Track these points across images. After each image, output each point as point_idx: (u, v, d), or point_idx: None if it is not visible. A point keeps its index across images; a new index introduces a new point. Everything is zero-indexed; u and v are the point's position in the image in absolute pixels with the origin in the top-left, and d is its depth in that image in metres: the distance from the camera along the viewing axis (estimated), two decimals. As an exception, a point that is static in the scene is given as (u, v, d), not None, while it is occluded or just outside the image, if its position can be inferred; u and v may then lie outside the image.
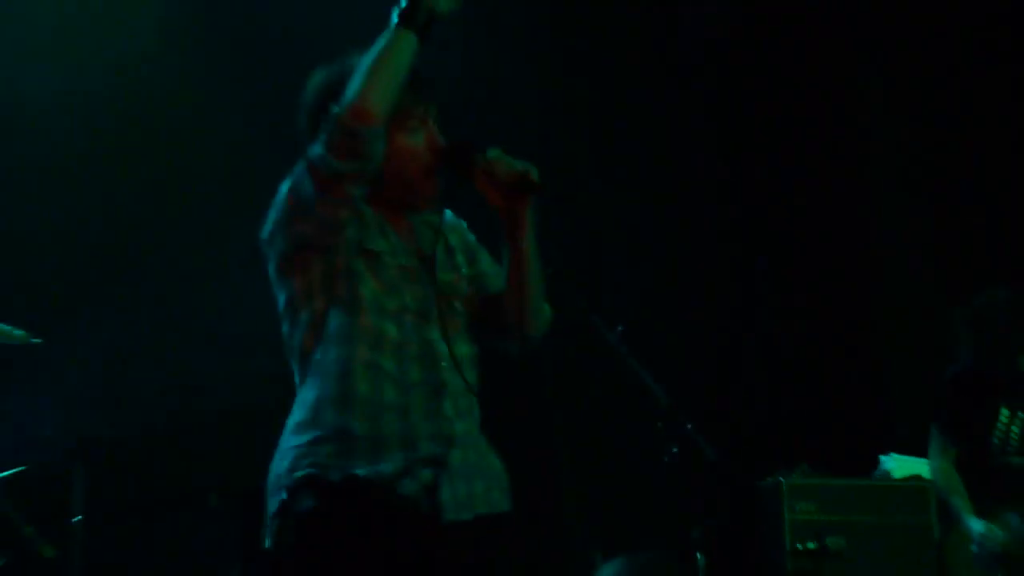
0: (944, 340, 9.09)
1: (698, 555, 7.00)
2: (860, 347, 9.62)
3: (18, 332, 6.77)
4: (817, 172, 9.65)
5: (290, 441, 3.73)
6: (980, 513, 6.44)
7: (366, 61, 3.62)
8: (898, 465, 8.06)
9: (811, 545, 7.59)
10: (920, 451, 8.08)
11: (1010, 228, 8.80)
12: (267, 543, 3.73)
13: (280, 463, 3.73)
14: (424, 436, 3.70)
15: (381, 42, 3.65)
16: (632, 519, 8.37)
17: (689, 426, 5.99)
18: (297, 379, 3.84)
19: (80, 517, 6.87)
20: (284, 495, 3.68)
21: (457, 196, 4.02)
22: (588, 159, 8.80)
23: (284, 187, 3.76)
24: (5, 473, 6.80)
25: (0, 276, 7.64)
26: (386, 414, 3.67)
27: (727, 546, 7.43)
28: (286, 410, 3.85)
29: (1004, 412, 6.44)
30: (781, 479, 7.77)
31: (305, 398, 3.75)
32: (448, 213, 4.06)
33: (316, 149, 3.59)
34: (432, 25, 3.72)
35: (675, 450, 6.37)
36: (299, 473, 3.65)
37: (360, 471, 3.61)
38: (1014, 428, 6.39)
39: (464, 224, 4.14)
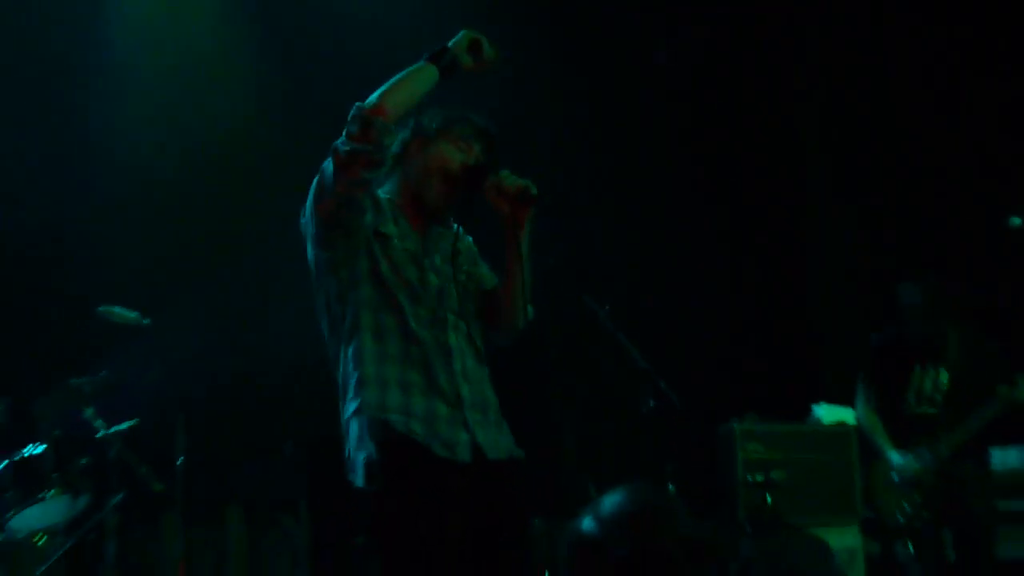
0: (864, 314, 9.20)
1: (670, 486, 7.07)
2: (798, 321, 9.66)
3: (132, 314, 6.84)
4: (762, 166, 9.58)
5: (346, 384, 3.76)
6: (901, 449, 6.45)
7: (396, 76, 3.72)
8: (827, 413, 8.12)
9: (759, 477, 7.64)
10: (845, 402, 8.16)
11: (924, 212, 8.72)
12: (359, 482, 3.69)
13: (350, 405, 3.74)
14: (444, 390, 3.72)
15: (412, 67, 3.76)
16: (617, 458, 8.44)
17: (662, 383, 6.05)
18: (331, 343, 3.85)
19: (182, 459, 6.92)
20: (344, 429, 3.74)
21: (468, 216, 4.09)
22: (576, 166, 8.76)
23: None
24: (123, 425, 6.82)
25: (118, 272, 7.71)
26: (412, 368, 3.71)
27: (693, 478, 7.46)
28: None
29: (917, 371, 6.44)
30: (735, 425, 7.84)
31: (347, 355, 3.75)
32: (460, 229, 4.07)
33: (339, 138, 3.65)
34: (454, 70, 3.80)
35: (651, 403, 6.42)
36: (350, 411, 3.71)
37: (394, 419, 3.63)
38: (926, 383, 6.39)
39: (470, 239, 4.16)
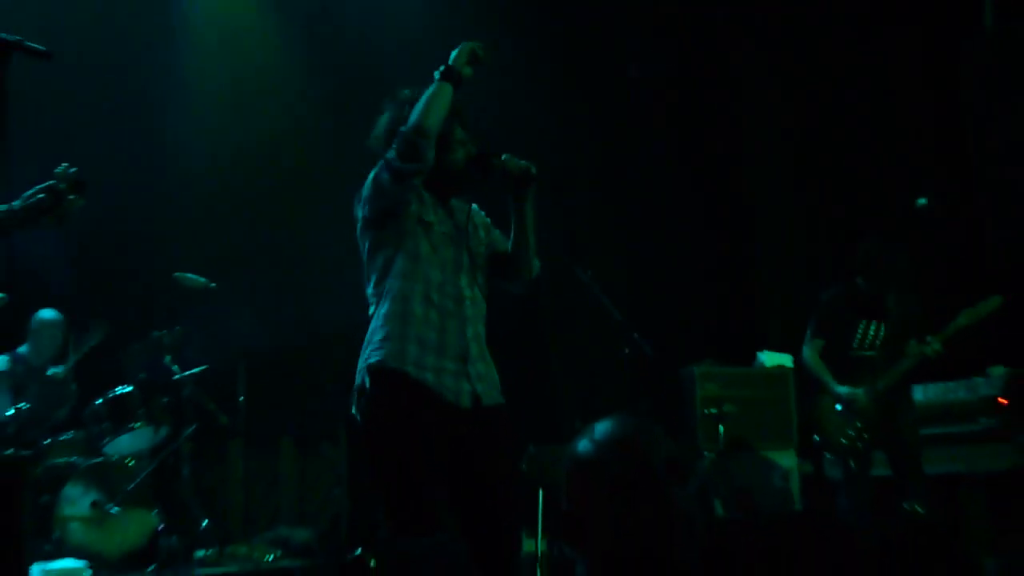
0: (800, 278, 9.17)
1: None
2: (746, 282, 9.66)
3: (201, 280, 6.87)
4: (709, 143, 9.52)
5: (368, 338, 3.77)
6: (841, 382, 6.40)
7: (422, 100, 3.74)
8: (769, 358, 8.11)
9: (713, 411, 7.64)
10: (784, 349, 8.18)
11: (854, 182, 8.66)
12: (353, 410, 3.75)
13: (363, 354, 3.76)
14: (453, 350, 3.72)
15: (430, 89, 3.77)
16: (600, 396, 8.45)
17: (635, 334, 6.03)
18: (372, 302, 3.84)
19: (243, 398, 6.94)
20: (363, 378, 3.71)
21: (482, 193, 4.08)
22: (556, 144, 8.68)
23: (369, 177, 3.81)
24: (196, 369, 6.89)
25: (191, 245, 7.72)
26: (430, 330, 3.71)
27: (661, 412, 7.46)
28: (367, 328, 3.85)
29: (863, 323, 6.38)
30: (694, 368, 7.83)
31: (379, 313, 3.76)
32: (475, 205, 4.08)
33: (391, 154, 3.69)
34: (462, 81, 3.84)
35: (627, 350, 6.41)
36: (372, 361, 3.69)
37: (410, 369, 3.64)
38: (869, 333, 6.36)
39: (483, 212, 4.14)
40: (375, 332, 3.75)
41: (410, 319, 3.71)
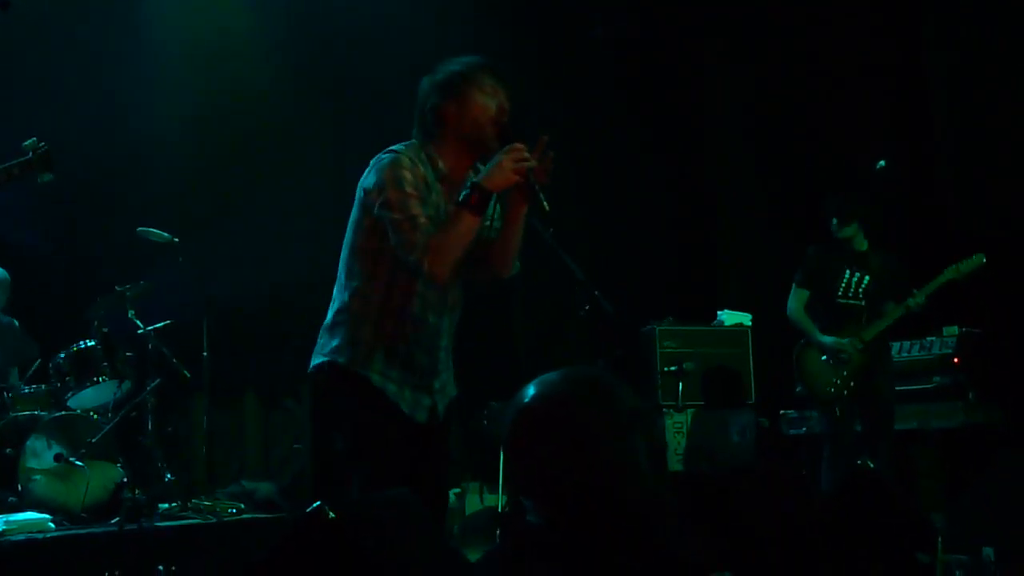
0: (758, 241, 9.22)
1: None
2: (706, 244, 9.70)
3: (165, 235, 6.84)
4: (671, 104, 9.53)
5: (341, 330, 3.53)
6: (825, 333, 6.48)
7: (445, 235, 3.36)
8: (728, 317, 8.17)
9: (673, 368, 7.72)
10: (743, 308, 8.25)
11: (814, 143, 8.68)
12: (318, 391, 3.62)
13: (327, 342, 3.56)
14: (421, 366, 3.54)
15: (456, 218, 3.39)
16: (560, 353, 8.51)
17: (596, 292, 6.05)
18: (347, 287, 3.56)
19: (206, 352, 6.92)
20: (325, 370, 3.54)
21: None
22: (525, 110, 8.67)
23: (383, 177, 3.44)
24: (160, 324, 6.86)
25: (155, 201, 7.68)
26: (401, 343, 3.51)
27: (621, 369, 7.51)
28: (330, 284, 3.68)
29: (847, 271, 6.44)
30: (655, 326, 7.89)
31: (353, 309, 3.52)
32: None
33: (402, 254, 3.38)
34: (490, 201, 3.46)
35: (587, 308, 6.43)
36: (339, 361, 3.50)
37: (374, 377, 3.48)
38: (853, 282, 6.44)
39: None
40: (344, 328, 3.53)
41: (384, 330, 3.51)
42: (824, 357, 6.47)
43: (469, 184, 3.43)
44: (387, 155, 3.53)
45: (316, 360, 3.59)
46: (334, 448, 3.66)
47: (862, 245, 6.51)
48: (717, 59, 9.66)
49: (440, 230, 3.40)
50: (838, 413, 6.38)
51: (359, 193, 3.56)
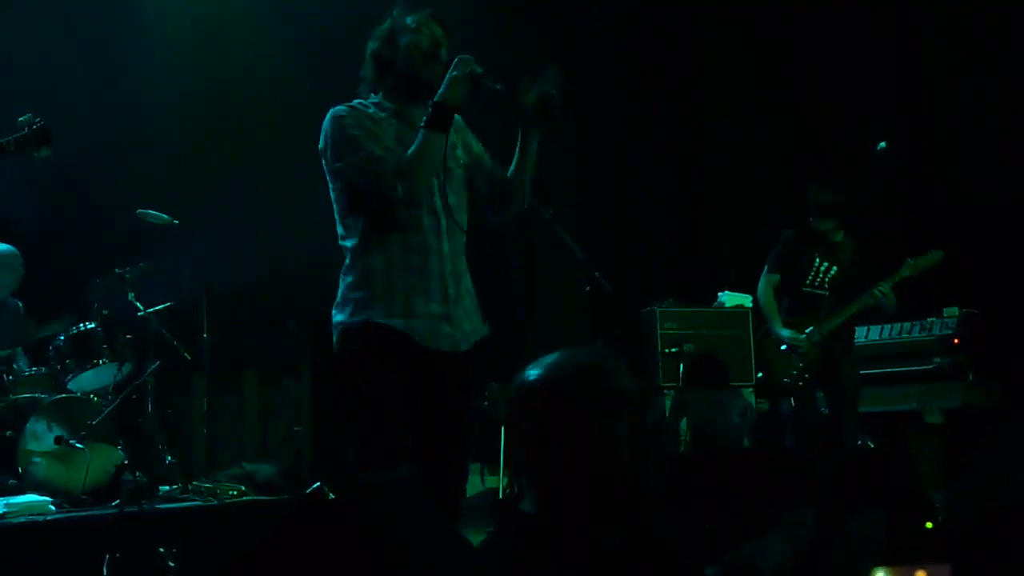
0: (757, 223, 9.21)
1: (602, 355, 7.10)
2: (708, 225, 9.70)
3: (165, 217, 6.82)
4: (670, 86, 9.53)
5: (347, 295, 3.66)
6: (789, 325, 6.53)
7: (414, 156, 3.50)
8: (729, 298, 8.16)
9: (674, 349, 7.73)
10: (743, 289, 8.24)
11: (812, 124, 8.67)
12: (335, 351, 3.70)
13: (344, 307, 3.67)
14: (436, 294, 3.64)
15: (417, 142, 3.52)
16: (562, 334, 8.49)
17: (597, 272, 6.04)
18: (347, 244, 3.70)
19: (206, 335, 6.92)
20: (344, 328, 3.65)
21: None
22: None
23: (331, 133, 3.61)
24: (160, 306, 6.84)
25: (154, 182, 7.67)
26: (413, 274, 3.61)
27: (622, 350, 7.52)
28: (335, 265, 3.79)
29: (817, 260, 6.50)
30: (655, 307, 7.88)
31: (360, 265, 3.64)
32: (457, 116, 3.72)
33: (374, 191, 3.53)
34: (452, 117, 3.58)
35: (588, 288, 6.43)
36: (356, 319, 3.61)
37: (396, 323, 3.57)
38: (821, 270, 6.48)
39: (459, 118, 3.78)
40: (356, 287, 3.64)
41: (394, 272, 3.60)
42: (783, 347, 6.51)
43: (429, 105, 3.57)
44: (327, 116, 3.70)
45: (338, 322, 3.68)
46: (355, 403, 3.67)
47: (837, 236, 6.55)
48: (717, 38, 9.64)
49: (408, 153, 3.53)
50: (792, 403, 6.47)
51: (323, 165, 3.72)
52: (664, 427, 7.59)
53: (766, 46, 9.02)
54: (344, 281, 3.70)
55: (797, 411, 6.48)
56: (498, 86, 3.59)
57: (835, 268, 6.46)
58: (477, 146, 3.93)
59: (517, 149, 3.76)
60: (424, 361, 3.62)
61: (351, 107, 3.69)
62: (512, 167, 3.79)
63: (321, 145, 3.68)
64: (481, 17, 8.35)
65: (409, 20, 3.73)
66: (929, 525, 3.08)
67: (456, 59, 3.60)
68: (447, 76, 3.57)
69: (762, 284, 6.76)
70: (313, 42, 8.27)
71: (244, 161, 8.19)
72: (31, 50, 7.45)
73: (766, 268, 6.75)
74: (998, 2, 7.68)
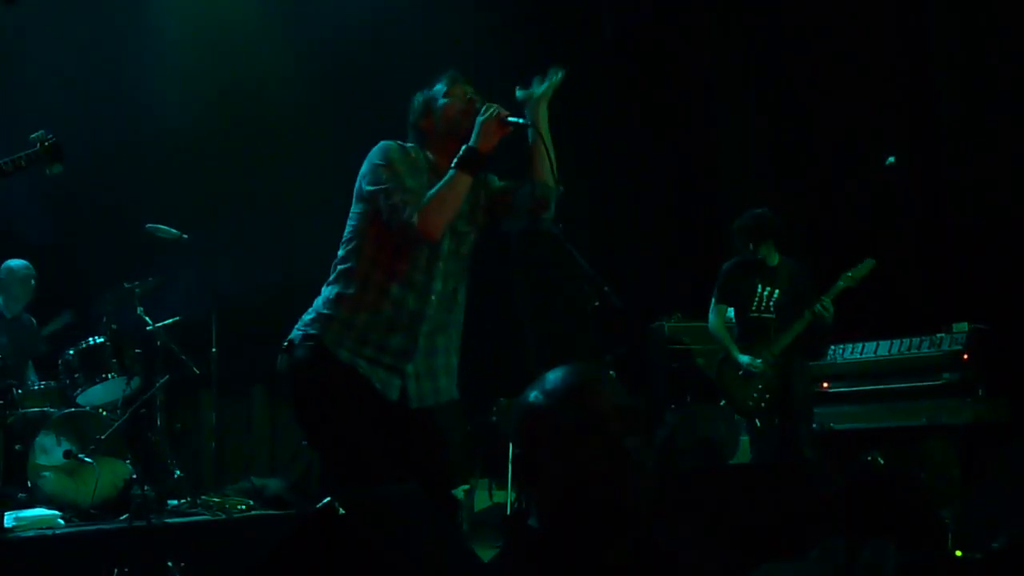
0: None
1: (611, 372, 7.11)
2: (714, 240, 9.67)
3: (173, 231, 6.84)
4: (678, 102, 9.50)
5: (319, 307, 3.68)
6: (743, 351, 6.66)
7: (439, 192, 3.56)
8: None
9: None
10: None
11: (819, 138, 8.67)
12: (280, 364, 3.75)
13: (306, 315, 3.70)
14: (394, 348, 3.62)
15: (446, 180, 3.58)
16: (569, 349, 8.48)
17: (605, 287, 6.05)
18: (339, 265, 3.71)
19: (215, 349, 6.92)
20: (297, 339, 3.67)
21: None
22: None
23: (376, 162, 3.65)
24: (169, 320, 6.87)
25: (164, 197, 7.67)
26: (377, 330, 3.60)
27: (629, 365, 7.51)
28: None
29: (759, 286, 6.63)
30: (663, 322, 7.90)
31: (337, 290, 3.66)
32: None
33: (394, 219, 3.56)
34: (484, 162, 3.65)
35: (596, 303, 6.46)
36: (311, 331, 3.64)
37: (343, 355, 3.58)
38: (764, 296, 6.61)
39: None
40: (325, 304, 3.67)
41: (361, 308, 3.62)
42: (741, 372, 6.66)
43: (462, 149, 3.65)
44: (378, 145, 3.75)
45: (293, 332, 3.73)
46: (299, 418, 3.72)
47: (773, 260, 6.71)
48: (725, 50, 9.65)
49: (433, 189, 3.59)
50: (758, 424, 6.63)
51: (356, 185, 3.76)
52: (669, 442, 7.59)
53: (776, 59, 9.02)
54: (322, 293, 3.73)
55: (762, 431, 6.64)
56: (523, 120, 3.72)
57: (777, 291, 6.63)
58: (495, 183, 3.93)
59: (532, 151, 3.79)
60: (372, 404, 3.62)
61: (400, 144, 3.76)
62: (532, 168, 3.80)
63: (363, 170, 3.72)
64: (489, 37, 8.39)
65: (439, 87, 3.83)
66: (959, 553, 3.08)
67: (484, 106, 3.70)
68: (477, 122, 3.66)
69: (712, 315, 6.91)
70: (325, 61, 8.30)
71: (253, 176, 8.23)
72: (42, 66, 7.48)
73: (713, 300, 6.91)
74: (1008, 13, 7.68)
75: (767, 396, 6.58)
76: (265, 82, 8.37)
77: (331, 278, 3.72)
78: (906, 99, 8.48)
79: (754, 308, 6.65)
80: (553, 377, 2.17)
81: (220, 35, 8.28)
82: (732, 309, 6.81)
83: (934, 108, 8.30)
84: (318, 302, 3.72)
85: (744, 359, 6.64)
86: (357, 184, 3.73)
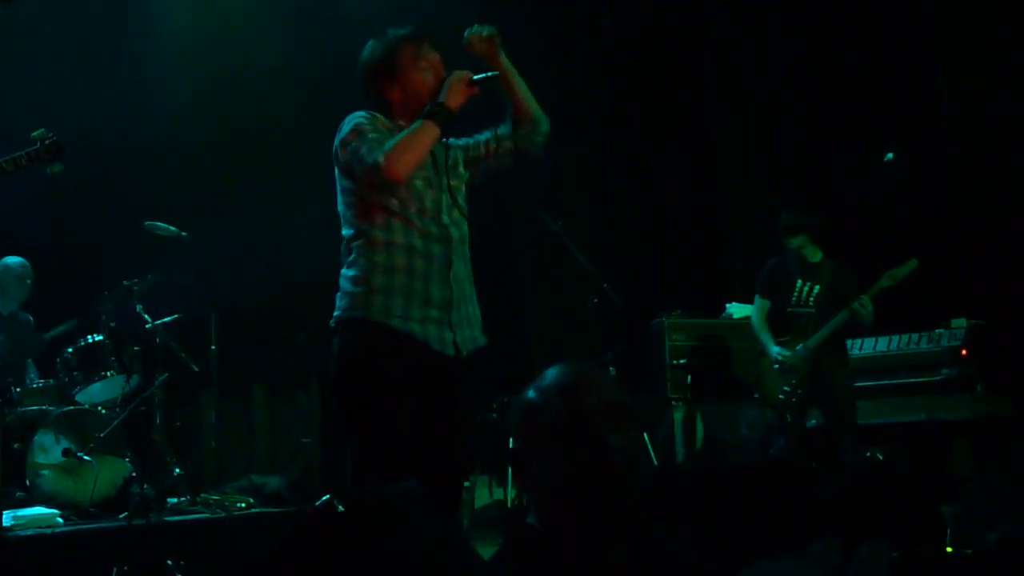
0: (765, 235, 9.20)
1: (611, 369, 7.11)
2: (715, 238, 9.68)
3: (173, 229, 6.82)
4: (677, 97, 9.45)
5: (351, 288, 3.66)
6: (779, 344, 6.75)
7: (405, 136, 3.59)
8: (736, 310, 8.14)
9: (682, 361, 7.75)
10: (751, 301, 8.21)
11: (819, 136, 8.65)
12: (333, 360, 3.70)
13: (341, 301, 3.69)
14: (437, 299, 3.66)
15: (413, 127, 3.62)
16: (569, 344, 8.49)
17: (606, 285, 6.06)
18: (350, 247, 3.72)
19: (214, 347, 6.91)
20: (342, 326, 3.67)
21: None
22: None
23: (345, 130, 3.69)
24: (168, 318, 6.86)
25: (162, 194, 7.65)
26: (416, 280, 3.63)
27: (629, 363, 7.51)
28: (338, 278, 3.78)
29: (799, 281, 6.74)
30: (664, 319, 7.88)
31: (360, 263, 3.66)
32: (449, 139, 3.86)
33: (359, 166, 3.60)
34: (451, 118, 3.69)
35: (595, 300, 6.46)
36: (355, 314, 3.63)
37: (396, 323, 3.59)
38: (804, 291, 6.69)
39: (450, 140, 3.90)
40: (356, 282, 3.66)
41: (395, 271, 3.62)
42: (776, 366, 6.76)
43: (429, 105, 3.69)
44: (346, 118, 3.77)
45: (337, 316, 3.70)
46: (355, 407, 3.66)
47: (815, 256, 6.82)
48: (724, 50, 9.63)
49: (398, 136, 3.62)
50: (788, 419, 6.71)
51: (334, 164, 3.79)
52: (668, 440, 7.60)
53: (776, 59, 8.99)
54: (345, 275, 3.73)
55: (791, 425, 6.71)
56: (490, 73, 3.79)
57: (817, 287, 6.72)
58: (473, 138, 3.99)
59: (502, 89, 3.86)
60: (423, 363, 3.64)
61: (368, 113, 3.77)
62: (509, 107, 3.90)
63: (335, 143, 3.74)
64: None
65: (405, 47, 3.83)
66: (949, 550, 3.07)
67: (456, 74, 3.75)
68: (445, 81, 3.73)
69: (753, 310, 7.05)
70: (325, 58, 8.27)
71: (253, 173, 8.19)
72: (39, 64, 7.47)
73: (756, 296, 7.04)
74: (1008, 13, 7.66)
75: (799, 391, 6.65)
76: (265, 80, 8.32)
77: (351, 258, 3.71)
78: (906, 98, 8.47)
79: (793, 302, 6.76)
80: (550, 374, 2.19)
81: (218, 33, 8.23)
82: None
83: (934, 107, 8.29)
84: (347, 284, 3.70)
85: (775, 349, 6.73)
86: (334, 160, 3.76)
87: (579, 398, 2.11)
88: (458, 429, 3.74)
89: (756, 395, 7.11)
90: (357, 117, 3.73)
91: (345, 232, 3.76)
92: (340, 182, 3.78)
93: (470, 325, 3.80)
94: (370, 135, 3.64)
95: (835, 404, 6.68)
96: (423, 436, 3.63)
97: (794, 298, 6.75)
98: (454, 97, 3.69)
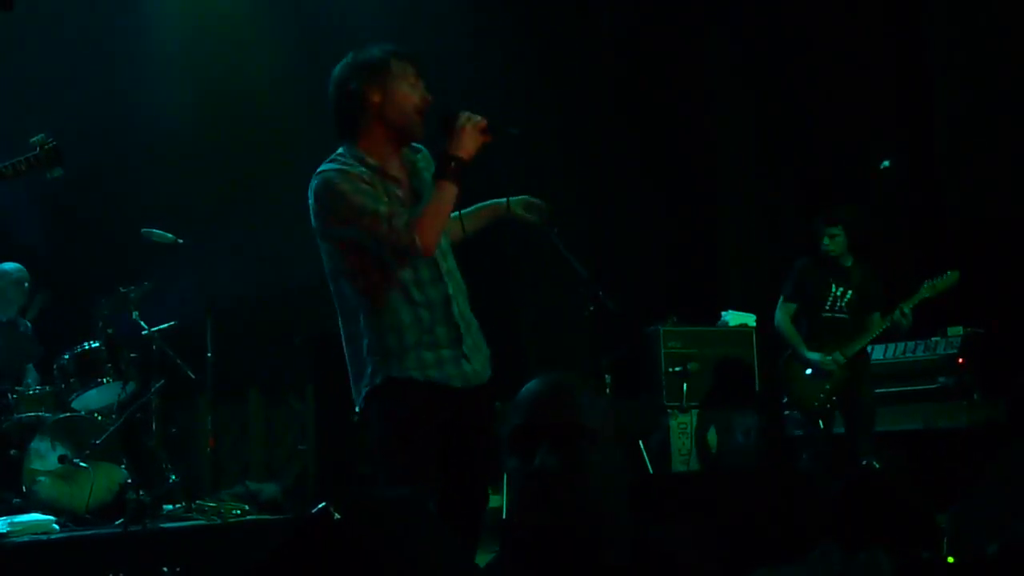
0: (761, 242, 9.22)
1: (606, 376, 7.11)
2: (711, 245, 9.67)
3: (168, 235, 6.83)
4: (673, 105, 9.44)
5: (366, 355, 3.55)
6: (812, 350, 6.72)
7: (431, 207, 3.44)
8: (733, 318, 8.16)
9: (678, 368, 7.73)
10: (747, 308, 8.22)
11: (815, 143, 8.67)
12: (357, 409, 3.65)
13: (363, 371, 3.58)
14: (445, 340, 3.57)
15: (433, 194, 3.46)
16: (564, 353, 8.48)
17: (600, 292, 6.04)
18: (349, 310, 3.60)
19: (210, 354, 6.91)
20: (367, 391, 3.56)
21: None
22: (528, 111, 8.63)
23: (330, 203, 3.48)
24: (164, 325, 6.83)
25: (159, 201, 7.66)
26: (423, 332, 3.53)
27: (624, 370, 7.50)
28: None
29: (833, 286, 6.69)
30: (659, 326, 7.88)
31: (369, 329, 3.54)
32: (425, 152, 3.72)
33: (389, 247, 3.45)
34: (466, 169, 3.51)
35: (591, 307, 6.46)
36: (378, 380, 3.52)
37: (415, 374, 3.51)
38: (838, 295, 6.66)
39: (419, 157, 3.73)
40: (371, 351, 3.56)
41: (403, 329, 3.53)
42: (809, 371, 6.70)
43: (443, 156, 3.50)
44: (315, 180, 3.56)
45: (363, 391, 3.60)
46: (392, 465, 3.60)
47: (847, 260, 6.76)
48: (720, 57, 9.64)
49: (422, 205, 3.48)
50: (822, 425, 6.70)
51: (314, 226, 3.59)
52: (663, 447, 7.59)
53: (775, 60, 9.00)
54: (356, 349, 3.62)
55: (823, 433, 6.70)
56: (513, 130, 3.59)
57: (850, 292, 6.68)
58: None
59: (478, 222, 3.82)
60: (448, 404, 3.57)
61: (340, 171, 3.53)
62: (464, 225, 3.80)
63: (316, 214, 3.55)
64: (489, 37, 8.37)
65: (394, 65, 3.61)
66: (951, 560, 3.07)
67: (464, 116, 3.52)
68: (458, 130, 3.50)
69: (780, 313, 6.93)
70: (321, 63, 8.25)
71: (249, 181, 8.18)
72: (36, 69, 7.47)
73: (782, 298, 6.94)
74: (1005, 14, 7.68)
75: (833, 398, 6.63)
76: (261, 86, 8.33)
77: (356, 328, 3.59)
78: (905, 100, 8.48)
79: (827, 308, 6.71)
80: (526, 387, 2.19)
81: (215, 39, 8.26)
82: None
83: (932, 109, 8.30)
84: (359, 353, 3.59)
85: (815, 356, 6.66)
86: (314, 224, 3.57)
87: (530, 414, 2.10)
88: (479, 459, 3.70)
89: (785, 399, 7.05)
90: (333, 182, 3.51)
91: (337, 301, 3.65)
92: (322, 245, 3.62)
93: (479, 348, 3.74)
94: (377, 208, 3.45)
95: (861, 411, 6.66)
96: (446, 469, 3.58)
97: (828, 303, 6.70)
98: (468, 146, 3.49)
